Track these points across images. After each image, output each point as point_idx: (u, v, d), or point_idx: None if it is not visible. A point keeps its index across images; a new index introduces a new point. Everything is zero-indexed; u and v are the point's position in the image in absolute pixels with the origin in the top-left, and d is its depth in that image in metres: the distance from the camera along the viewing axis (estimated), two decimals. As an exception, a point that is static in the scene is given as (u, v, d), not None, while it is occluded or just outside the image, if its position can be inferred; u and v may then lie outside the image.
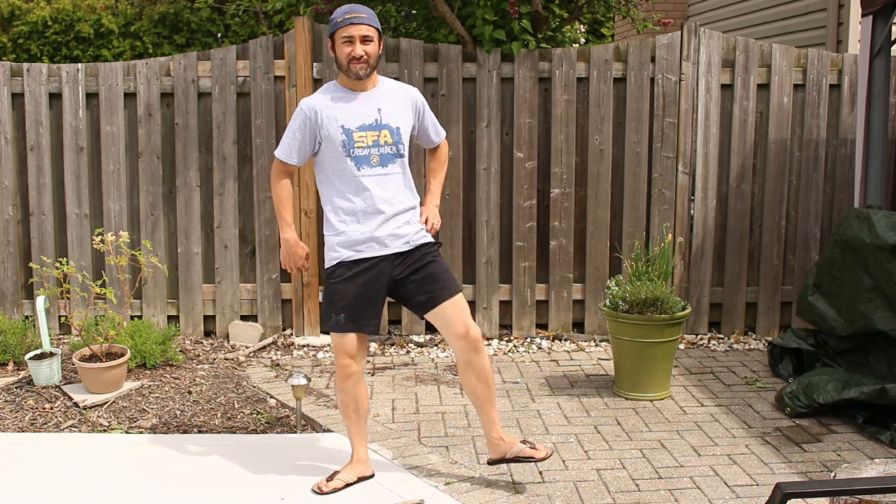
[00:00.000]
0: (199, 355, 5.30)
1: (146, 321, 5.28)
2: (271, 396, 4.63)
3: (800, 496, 1.85)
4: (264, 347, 5.47)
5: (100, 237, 4.73)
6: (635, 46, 5.49)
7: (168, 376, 4.90)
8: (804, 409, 4.29)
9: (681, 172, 5.55)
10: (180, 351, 5.27)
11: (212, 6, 8.14)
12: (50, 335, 5.05)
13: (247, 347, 5.48)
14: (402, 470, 3.71)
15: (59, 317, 5.60)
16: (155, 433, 4.17)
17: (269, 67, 5.45)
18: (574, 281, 5.67)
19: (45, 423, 4.27)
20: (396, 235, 3.45)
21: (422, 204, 3.64)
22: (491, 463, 3.60)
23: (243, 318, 5.67)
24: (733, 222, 5.63)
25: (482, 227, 5.57)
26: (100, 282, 4.81)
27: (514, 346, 5.50)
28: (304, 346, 5.49)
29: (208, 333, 5.71)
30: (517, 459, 3.53)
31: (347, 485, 3.52)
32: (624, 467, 3.77)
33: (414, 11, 6.22)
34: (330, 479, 3.53)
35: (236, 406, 4.50)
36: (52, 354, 4.78)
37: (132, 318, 5.52)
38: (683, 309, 4.60)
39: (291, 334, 5.64)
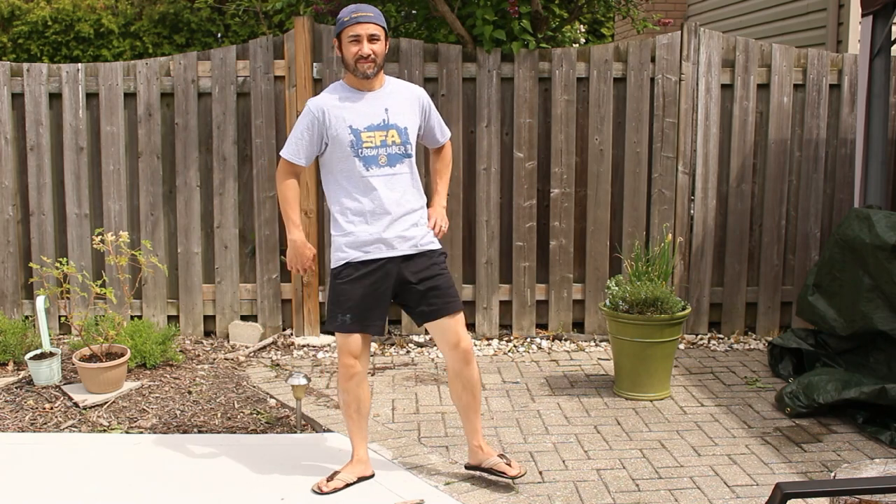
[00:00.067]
0: (199, 355, 5.30)
1: (146, 321, 5.28)
2: (271, 396, 4.63)
3: (800, 496, 1.85)
4: (264, 347, 5.48)
5: (100, 237, 4.73)
6: (635, 46, 5.50)
7: (168, 376, 4.90)
8: (804, 409, 4.29)
9: (681, 172, 5.55)
10: (180, 351, 5.27)
11: (212, 6, 8.14)
12: (50, 335, 5.05)
13: (247, 347, 5.48)
14: (402, 470, 3.71)
15: (59, 317, 5.60)
16: (155, 433, 4.17)
17: (269, 67, 5.45)
18: (574, 281, 5.67)
19: (45, 423, 4.27)
20: (404, 238, 3.45)
21: (429, 205, 3.64)
22: (467, 468, 3.65)
23: (243, 318, 5.67)
24: (733, 222, 5.63)
25: (482, 227, 5.57)
26: (100, 282, 4.81)
27: (514, 346, 5.50)
28: (304, 346, 5.49)
29: (208, 333, 5.71)
30: (491, 471, 3.55)
31: (347, 485, 3.52)
32: (624, 467, 3.77)
33: (414, 11, 6.22)
34: (330, 479, 3.53)
35: (236, 406, 4.50)
36: (52, 354, 4.78)
37: (132, 318, 5.52)
38: (683, 309, 4.60)
39: (291, 334, 5.64)
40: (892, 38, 5.02)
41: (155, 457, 3.88)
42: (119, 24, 7.94)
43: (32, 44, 7.85)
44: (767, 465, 3.80)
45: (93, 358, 4.62)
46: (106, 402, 4.50)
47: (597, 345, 5.54)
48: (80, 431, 4.19)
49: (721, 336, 5.68)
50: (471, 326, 5.66)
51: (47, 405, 4.48)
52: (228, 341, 5.59)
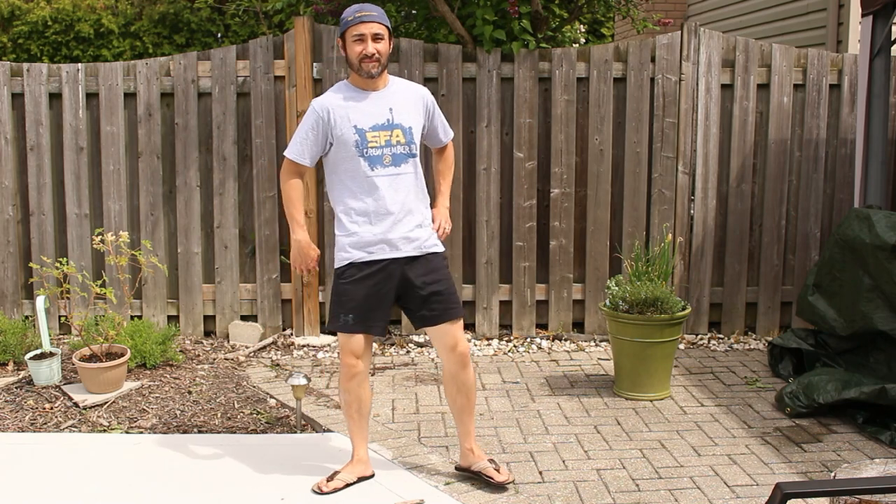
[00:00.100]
0: (199, 355, 5.30)
1: (146, 321, 5.28)
2: (271, 396, 4.63)
3: (800, 496, 1.85)
4: (264, 347, 5.48)
5: (100, 237, 4.73)
6: (635, 46, 5.50)
7: (168, 376, 4.90)
8: (804, 409, 4.29)
9: (681, 172, 5.55)
10: (180, 351, 5.27)
11: (212, 6, 8.14)
12: (50, 335, 5.05)
13: (247, 347, 5.48)
14: (402, 470, 3.71)
15: (59, 317, 5.60)
16: (155, 433, 4.17)
17: (269, 67, 5.45)
18: (574, 281, 5.67)
19: (45, 423, 4.27)
20: (408, 239, 3.44)
21: (432, 206, 3.64)
22: (457, 469, 3.65)
23: (243, 318, 5.67)
24: (733, 222, 5.63)
25: (482, 227, 5.57)
26: (100, 282, 4.81)
27: (514, 346, 5.50)
28: (304, 346, 5.49)
29: (208, 333, 5.71)
30: (479, 475, 3.56)
31: (347, 485, 3.52)
32: (624, 467, 3.77)
33: (414, 11, 6.22)
34: (330, 479, 3.53)
35: (236, 406, 4.50)
36: (52, 354, 4.78)
37: (132, 318, 5.52)
38: (683, 309, 4.60)
39: (291, 334, 5.64)
40: (892, 38, 5.02)
41: (155, 457, 3.88)
42: (119, 24, 7.94)
43: (32, 44, 7.85)
44: (767, 465, 3.80)
45: (93, 358, 4.62)
46: (106, 402, 4.50)
47: (597, 345, 5.54)
48: (80, 431, 4.19)
49: (721, 336, 5.68)
50: (471, 326, 5.66)
51: (47, 405, 4.48)
52: (228, 341, 5.59)
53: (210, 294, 5.63)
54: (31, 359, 4.74)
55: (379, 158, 3.40)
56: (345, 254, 3.45)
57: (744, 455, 3.90)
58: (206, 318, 5.67)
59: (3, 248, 5.54)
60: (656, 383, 4.57)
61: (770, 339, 5.47)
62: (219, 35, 8.24)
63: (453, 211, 5.49)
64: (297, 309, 5.61)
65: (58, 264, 4.77)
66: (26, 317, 5.56)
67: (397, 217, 3.42)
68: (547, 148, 5.58)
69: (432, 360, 5.27)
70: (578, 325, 5.74)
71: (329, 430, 4.16)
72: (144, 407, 4.47)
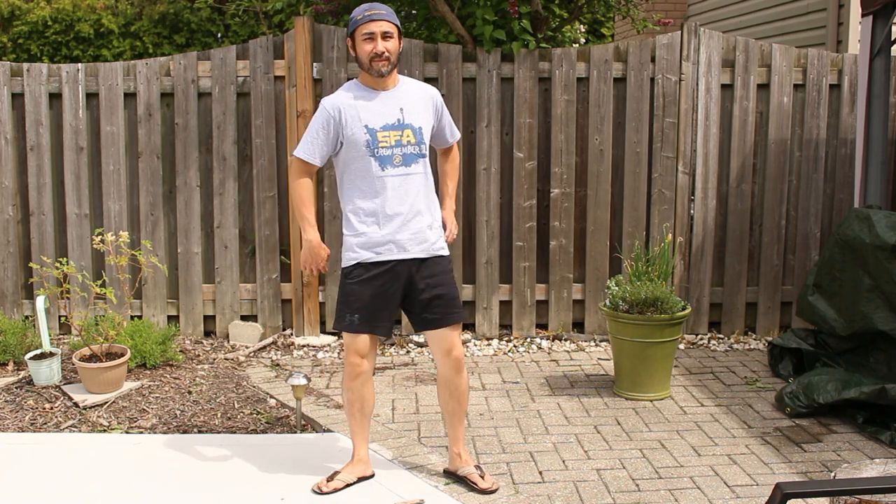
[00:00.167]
0: (199, 355, 5.30)
1: (146, 321, 5.28)
2: (271, 396, 4.63)
3: (800, 496, 1.85)
4: (264, 347, 5.48)
5: (100, 237, 4.73)
6: (635, 46, 5.50)
7: (168, 376, 4.90)
8: (804, 409, 4.29)
9: (681, 172, 5.55)
10: (180, 351, 5.27)
11: (212, 6, 8.15)
12: (50, 335, 5.05)
13: (247, 347, 5.48)
14: (402, 470, 3.71)
15: (59, 317, 5.60)
16: (155, 433, 4.17)
17: (269, 67, 5.45)
18: (574, 281, 5.67)
19: (45, 423, 4.27)
20: (417, 240, 3.43)
21: (440, 207, 3.63)
22: (445, 473, 3.65)
23: (243, 318, 5.67)
24: (733, 222, 5.63)
25: (482, 227, 5.57)
26: (100, 282, 4.81)
27: (514, 346, 5.50)
28: (304, 346, 5.49)
29: (208, 333, 5.71)
30: (464, 480, 3.56)
31: (347, 485, 3.52)
32: (624, 467, 3.77)
33: (414, 11, 6.22)
34: (330, 479, 3.53)
35: (236, 406, 4.50)
36: (52, 354, 4.78)
37: (132, 318, 5.52)
38: (683, 309, 4.60)
39: (291, 334, 5.64)
40: (892, 38, 5.02)
41: (155, 457, 3.88)
42: (119, 24, 7.94)
43: (32, 44, 7.85)
44: (767, 465, 3.80)
45: (93, 358, 4.62)
46: (106, 402, 4.50)
47: (597, 345, 5.54)
48: (80, 431, 4.19)
49: (721, 336, 5.68)
50: (471, 326, 5.66)
51: (47, 405, 4.48)
52: (228, 341, 5.59)
53: (210, 294, 5.63)
54: (31, 359, 4.74)
55: (389, 158, 3.39)
56: (353, 254, 3.44)
57: (744, 455, 3.90)
58: (206, 318, 5.67)
59: (3, 248, 5.54)
60: (656, 383, 4.57)
61: (770, 339, 5.47)
62: (219, 35, 8.24)
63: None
64: (297, 309, 5.61)
65: (58, 264, 4.77)
66: (26, 317, 5.56)
67: (406, 217, 3.41)
68: (547, 148, 5.58)
69: (432, 360, 5.27)
70: (578, 325, 5.74)
71: (329, 430, 4.16)
72: (144, 407, 4.47)
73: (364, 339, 3.45)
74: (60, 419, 4.32)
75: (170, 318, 5.65)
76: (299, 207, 3.50)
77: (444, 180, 3.75)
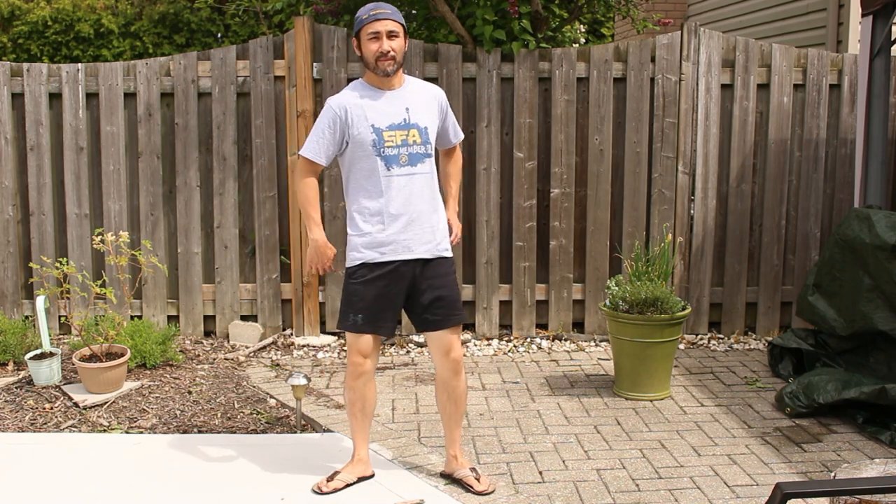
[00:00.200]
0: (199, 355, 5.30)
1: (146, 321, 5.28)
2: (271, 396, 4.63)
3: (800, 496, 1.85)
4: (264, 347, 5.48)
5: (100, 237, 4.73)
6: (635, 46, 5.50)
7: (168, 376, 4.90)
8: (804, 409, 4.29)
9: (681, 172, 5.55)
10: (180, 351, 5.27)
11: (212, 6, 8.14)
12: (50, 335, 5.05)
13: (247, 347, 5.48)
14: (402, 470, 3.71)
15: (59, 317, 5.60)
16: (155, 433, 4.17)
17: (269, 67, 5.45)
18: (574, 281, 5.67)
19: (45, 423, 4.27)
20: (422, 240, 3.43)
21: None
22: (441, 475, 3.65)
23: (243, 318, 5.67)
24: (733, 222, 5.63)
25: (482, 227, 5.57)
26: (100, 282, 4.81)
27: (514, 346, 5.50)
28: (304, 346, 5.49)
29: (208, 333, 5.71)
30: (459, 482, 3.56)
31: (347, 485, 3.52)
32: (624, 467, 3.77)
33: (414, 11, 6.22)
34: (330, 478, 3.53)
35: (236, 406, 4.50)
36: (52, 354, 4.78)
37: (132, 318, 5.52)
38: (683, 309, 4.60)
39: (291, 334, 5.64)
40: (892, 38, 5.02)
41: (155, 457, 3.88)
42: (119, 24, 7.94)
43: (32, 44, 7.85)
44: (767, 465, 3.80)
45: (93, 358, 4.62)
46: (106, 402, 4.50)
47: (597, 345, 5.54)
48: (80, 431, 4.19)
49: (721, 336, 5.68)
50: (471, 326, 5.66)
51: (47, 405, 4.48)
52: (228, 341, 5.59)
53: (210, 294, 5.63)
54: (31, 359, 4.74)
55: (395, 158, 3.38)
56: (357, 254, 3.43)
57: (744, 455, 3.90)
58: (206, 318, 5.67)
59: (3, 248, 5.54)
60: (656, 383, 4.57)
61: (770, 339, 5.47)
62: (219, 35, 8.24)
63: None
64: (297, 309, 5.61)
65: (58, 264, 4.77)
66: (26, 317, 5.56)
67: (411, 217, 3.40)
68: (547, 148, 5.58)
69: (432, 360, 5.27)
70: (578, 325, 5.74)
71: (329, 430, 4.16)
72: (144, 407, 4.47)
73: (367, 339, 3.45)
74: (60, 419, 4.32)
75: (170, 318, 5.65)
76: (305, 207, 3.49)
77: (447, 181, 3.74)
